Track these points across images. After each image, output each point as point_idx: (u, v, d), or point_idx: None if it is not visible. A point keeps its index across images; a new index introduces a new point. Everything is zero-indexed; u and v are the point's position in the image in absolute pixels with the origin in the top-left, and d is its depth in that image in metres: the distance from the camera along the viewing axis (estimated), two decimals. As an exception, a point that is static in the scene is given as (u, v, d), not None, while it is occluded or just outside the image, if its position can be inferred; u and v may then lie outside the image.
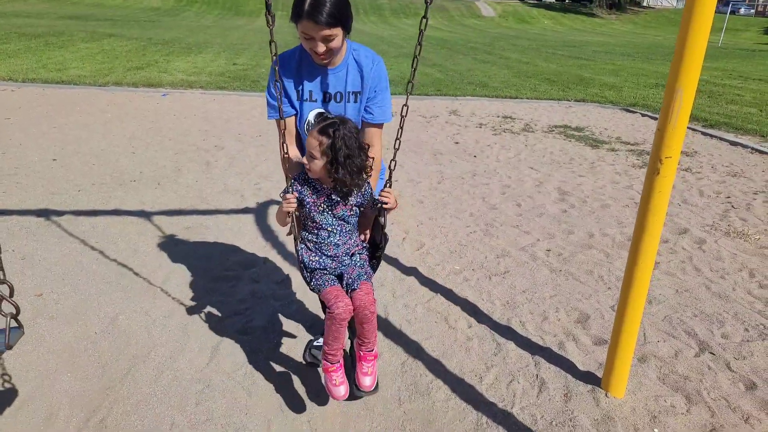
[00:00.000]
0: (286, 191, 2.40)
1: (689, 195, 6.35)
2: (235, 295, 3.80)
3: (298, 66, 2.53)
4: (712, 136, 9.39)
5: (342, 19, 2.29)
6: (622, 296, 2.82)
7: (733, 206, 6.02)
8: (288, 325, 3.50)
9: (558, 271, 4.37)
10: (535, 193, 6.25)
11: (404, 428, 2.66)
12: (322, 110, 2.55)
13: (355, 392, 2.51)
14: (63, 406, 2.68)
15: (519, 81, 14.73)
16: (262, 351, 3.21)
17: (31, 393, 2.76)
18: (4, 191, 5.39)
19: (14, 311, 2.11)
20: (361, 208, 2.52)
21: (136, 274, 3.98)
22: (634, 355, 3.02)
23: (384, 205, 2.46)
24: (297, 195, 2.40)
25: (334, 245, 2.48)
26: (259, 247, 4.55)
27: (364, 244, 2.63)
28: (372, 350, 2.54)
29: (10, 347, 2.07)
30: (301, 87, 2.54)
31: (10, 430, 2.51)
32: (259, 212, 5.28)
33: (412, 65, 2.38)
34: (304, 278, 2.52)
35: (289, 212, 2.39)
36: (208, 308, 3.61)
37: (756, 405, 2.91)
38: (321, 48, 2.32)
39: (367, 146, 2.39)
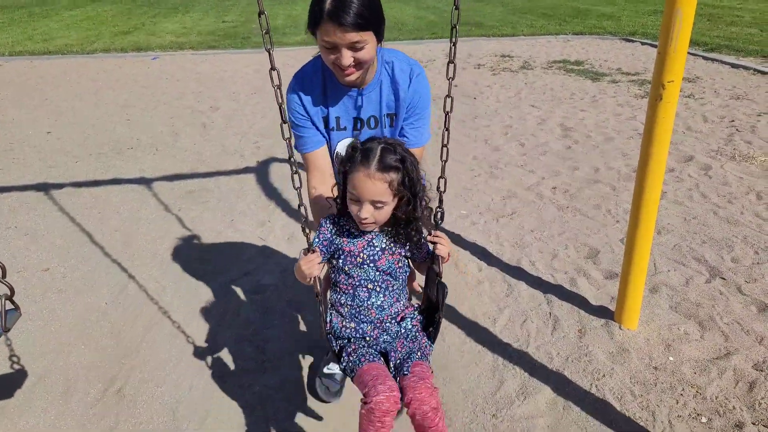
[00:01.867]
0: (308, 248, 1.79)
1: (693, 122, 6.23)
2: (243, 255, 3.79)
3: (323, 85, 2.02)
4: (713, 60, 9.16)
5: (373, 20, 1.79)
6: (631, 228, 2.78)
7: (737, 130, 5.91)
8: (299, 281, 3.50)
9: (565, 208, 4.32)
10: (538, 131, 6.14)
11: (420, 374, 2.68)
12: (351, 139, 2.02)
13: None
14: (80, 379, 2.70)
15: (515, 18, 14.33)
16: (274, 309, 3.22)
17: (47, 367, 2.78)
18: (2, 168, 5.34)
19: (8, 293, 2.06)
20: (412, 257, 1.93)
21: (142, 242, 3.97)
22: (645, 285, 3.00)
23: (436, 250, 1.82)
24: (325, 247, 1.84)
25: (376, 308, 1.84)
26: (263, 206, 4.52)
27: (415, 305, 1.97)
28: None
29: (7, 330, 2.03)
30: (326, 113, 2.05)
31: (29, 405, 2.54)
32: (260, 171, 5.22)
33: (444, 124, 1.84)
34: (333, 351, 1.89)
35: (309, 277, 1.76)
36: (217, 270, 3.61)
37: (770, 327, 2.91)
38: (347, 59, 1.80)
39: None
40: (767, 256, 3.54)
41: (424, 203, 1.81)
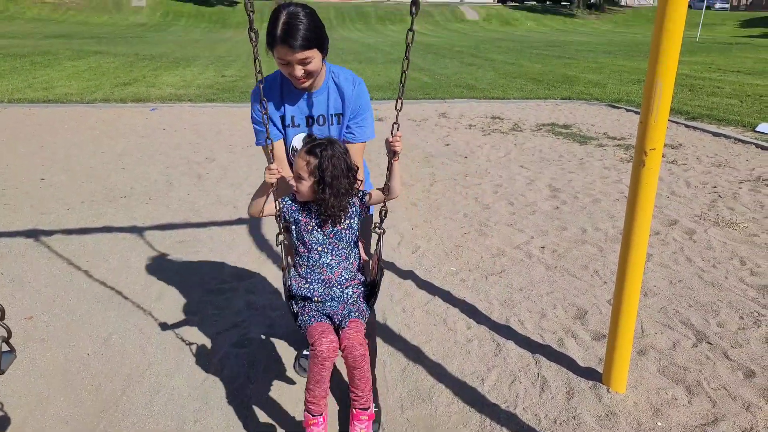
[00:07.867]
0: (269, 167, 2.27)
1: (677, 187, 6.37)
2: (230, 307, 3.77)
3: (280, 91, 2.51)
4: (695, 128, 9.44)
5: (317, 41, 2.27)
6: (618, 290, 2.81)
7: (720, 196, 6.04)
8: (286, 334, 3.47)
9: (553, 267, 4.36)
10: (527, 191, 6.25)
11: (406, 434, 2.63)
12: (308, 134, 2.53)
13: None
14: None
15: (505, 82, 14.77)
16: (260, 363, 3.18)
17: (24, 419, 2.71)
18: (-7, 214, 5.33)
19: (5, 335, 2.06)
20: (355, 224, 2.40)
21: (129, 291, 3.94)
22: (633, 348, 3.01)
23: (393, 147, 2.25)
24: (290, 209, 2.35)
25: (327, 267, 2.34)
26: (254, 258, 4.52)
27: (361, 278, 2.46)
28: (366, 407, 2.37)
29: (2, 372, 2.01)
30: (283, 112, 2.53)
31: (5, 456, 2.47)
32: (253, 223, 5.25)
33: (401, 79, 2.23)
34: (291, 312, 2.38)
35: (272, 184, 2.24)
36: (204, 322, 3.58)
37: (756, 393, 2.91)
38: (299, 72, 2.29)
39: (356, 168, 2.33)
40: (752, 322, 3.57)
41: (338, 192, 2.25)
